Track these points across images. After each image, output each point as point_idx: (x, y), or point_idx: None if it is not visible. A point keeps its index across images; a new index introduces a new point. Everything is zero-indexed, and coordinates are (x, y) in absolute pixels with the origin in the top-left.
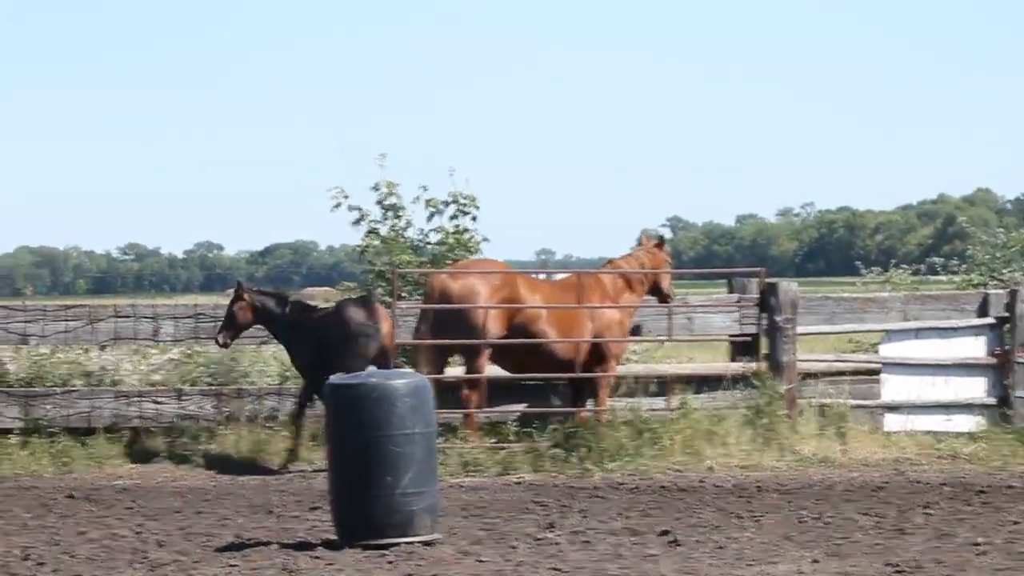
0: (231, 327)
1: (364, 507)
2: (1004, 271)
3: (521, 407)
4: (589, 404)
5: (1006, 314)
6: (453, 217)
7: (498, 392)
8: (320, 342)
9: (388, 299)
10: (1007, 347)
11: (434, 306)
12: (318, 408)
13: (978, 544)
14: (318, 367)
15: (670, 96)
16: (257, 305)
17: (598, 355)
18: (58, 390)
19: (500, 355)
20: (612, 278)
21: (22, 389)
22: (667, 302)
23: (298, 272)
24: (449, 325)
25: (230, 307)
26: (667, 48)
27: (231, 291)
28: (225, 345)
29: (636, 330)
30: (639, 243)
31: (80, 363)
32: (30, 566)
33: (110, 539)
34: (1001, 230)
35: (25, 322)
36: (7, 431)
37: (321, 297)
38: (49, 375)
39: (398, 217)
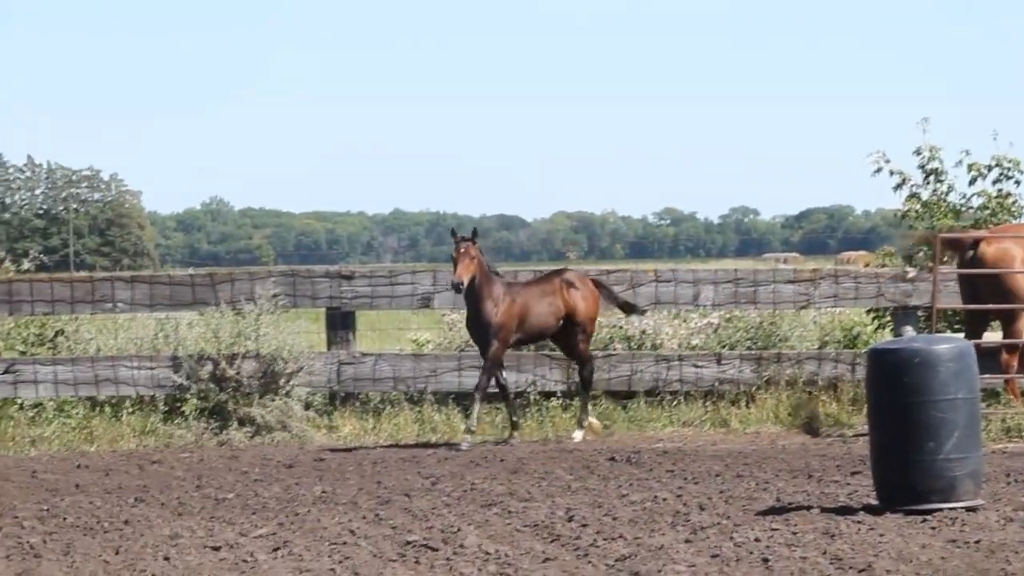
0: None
1: (906, 472)
2: None
3: None
4: None
5: None
6: (996, 181)
7: None
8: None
9: (930, 263)
10: None
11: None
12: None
13: None
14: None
15: None
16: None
17: None
18: (600, 353)
19: None
20: None
21: None
22: None
23: (833, 236)
24: (986, 290)
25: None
26: None
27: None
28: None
29: None
30: None
31: (621, 327)
32: (574, 527)
33: (651, 502)
34: None
35: None
36: (550, 394)
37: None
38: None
39: (940, 181)
